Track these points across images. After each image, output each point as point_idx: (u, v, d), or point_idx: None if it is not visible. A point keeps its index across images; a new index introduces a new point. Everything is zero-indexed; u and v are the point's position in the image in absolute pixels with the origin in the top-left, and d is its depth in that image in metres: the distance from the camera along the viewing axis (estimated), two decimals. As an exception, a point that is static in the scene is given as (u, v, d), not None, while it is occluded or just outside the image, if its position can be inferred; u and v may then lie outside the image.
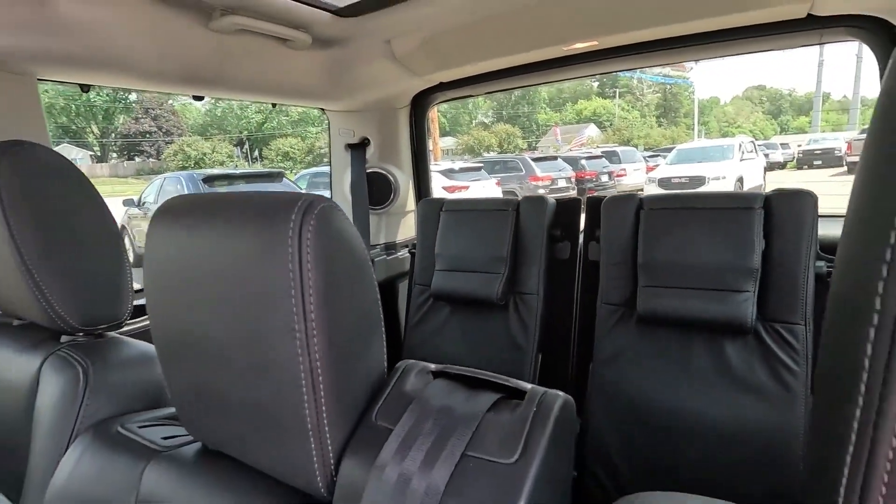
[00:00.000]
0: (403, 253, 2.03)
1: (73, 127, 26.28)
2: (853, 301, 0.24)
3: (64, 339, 0.78)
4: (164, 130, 27.05)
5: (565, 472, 0.45)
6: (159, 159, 25.86)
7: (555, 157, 13.51)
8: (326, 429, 0.44)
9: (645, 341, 1.29)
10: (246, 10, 1.19)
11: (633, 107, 36.52)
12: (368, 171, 1.96)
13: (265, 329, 0.42)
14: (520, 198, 1.59)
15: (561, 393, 0.44)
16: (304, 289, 0.41)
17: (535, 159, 12.91)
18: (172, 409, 0.71)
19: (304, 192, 0.43)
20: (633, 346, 1.30)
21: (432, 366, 0.51)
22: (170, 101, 26.91)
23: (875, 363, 0.22)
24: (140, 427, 0.64)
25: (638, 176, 13.66)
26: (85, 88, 1.23)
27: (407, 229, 2.13)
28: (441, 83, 1.83)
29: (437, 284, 1.61)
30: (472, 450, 0.41)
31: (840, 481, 0.24)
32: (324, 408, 0.43)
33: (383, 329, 0.50)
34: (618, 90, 36.71)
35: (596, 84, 37.36)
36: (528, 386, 0.45)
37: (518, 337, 1.50)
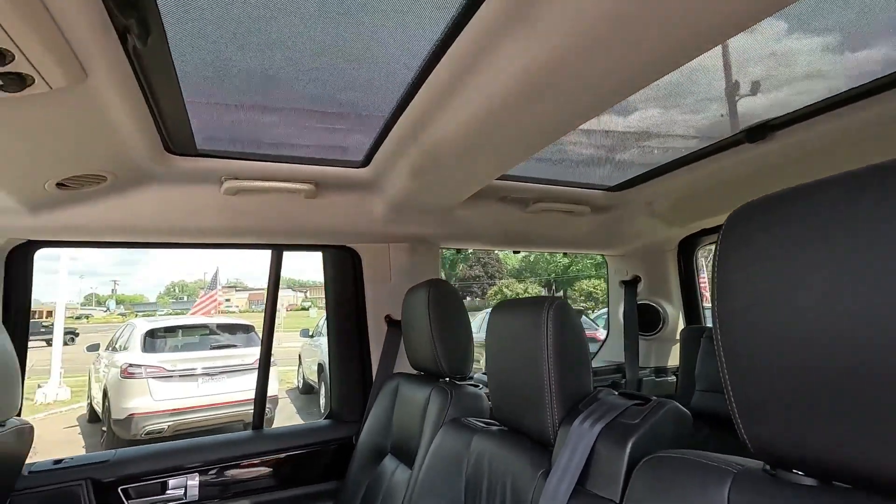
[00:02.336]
0: (672, 378, 2.23)
1: (430, 273, 34.80)
2: None
3: (440, 380, 1.47)
4: (489, 275, 32.87)
5: (674, 439, 0.75)
6: (483, 298, 31.20)
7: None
8: (556, 408, 0.89)
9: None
10: (548, 198, 1.90)
11: None
12: (640, 302, 2.34)
13: (529, 356, 0.94)
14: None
15: (670, 401, 0.77)
16: (547, 339, 0.91)
17: None
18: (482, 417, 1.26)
19: (547, 296, 0.93)
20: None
21: (614, 391, 0.91)
22: (496, 251, 32.88)
23: None
24: (467, 420, 1.21)
25: None
26: (459, 251, 2.14)
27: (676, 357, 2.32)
28: (704, 229, 2.14)
29: (696, 403, 1.78)
30: (618, 418, 0.79)
31: None
32: (555, 399, 0.89)
33: (590, 365, 0.94)
34: None
35: None
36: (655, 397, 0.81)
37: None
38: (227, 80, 1.08)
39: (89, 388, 7.81)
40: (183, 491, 1.60)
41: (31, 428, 1.28)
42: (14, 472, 1.28)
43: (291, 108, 1.27)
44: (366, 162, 1.51)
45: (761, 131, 1.42)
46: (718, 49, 1.15)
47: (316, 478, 1.77)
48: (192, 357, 6.82)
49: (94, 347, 8.53)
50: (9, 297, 1.49)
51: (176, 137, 1.25)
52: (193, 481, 1.63)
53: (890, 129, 1.25)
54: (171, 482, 1.59)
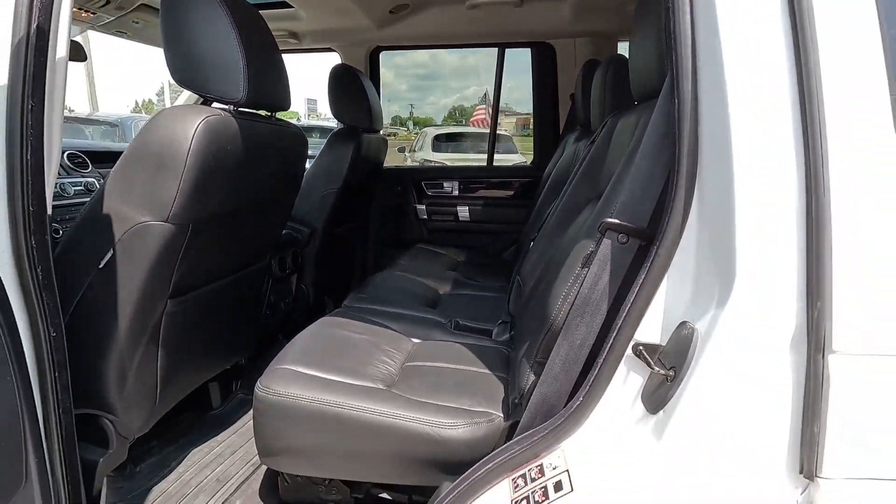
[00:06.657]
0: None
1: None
2: None
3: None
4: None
5: None
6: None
7: None
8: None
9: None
10: None
11: None
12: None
13: None
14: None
15: None
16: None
17: None
18: None
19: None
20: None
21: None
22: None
23: None
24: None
25: None
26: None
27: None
28: None
29: None
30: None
31: None
32: None
33: None
34: None
35: None
36: None
37: None
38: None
39: (401, 177, 10.91)
40: (451, 189, 2.98)
41: (387, 140, 2.72)
42: (381, 161, 2.78)
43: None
44: (553, -27, 2.23)
45: None
46: None
47: (520, 196, 2.93)
48: (465, 157, 8.80)
49: (402, 149, 11.58)
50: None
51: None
52: (455, 189, 2.99)
53: None
54: (445, 183, 2.98)
